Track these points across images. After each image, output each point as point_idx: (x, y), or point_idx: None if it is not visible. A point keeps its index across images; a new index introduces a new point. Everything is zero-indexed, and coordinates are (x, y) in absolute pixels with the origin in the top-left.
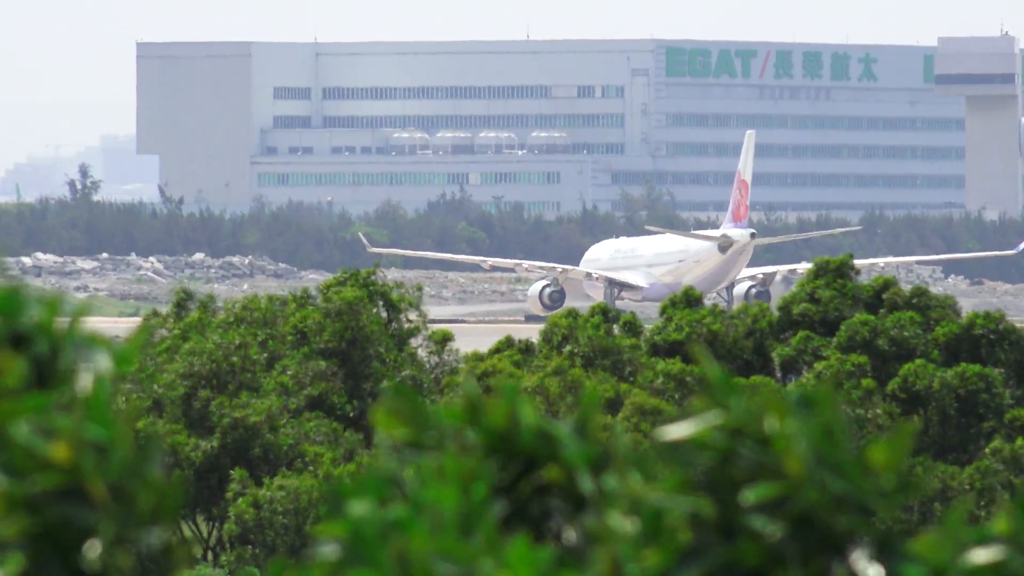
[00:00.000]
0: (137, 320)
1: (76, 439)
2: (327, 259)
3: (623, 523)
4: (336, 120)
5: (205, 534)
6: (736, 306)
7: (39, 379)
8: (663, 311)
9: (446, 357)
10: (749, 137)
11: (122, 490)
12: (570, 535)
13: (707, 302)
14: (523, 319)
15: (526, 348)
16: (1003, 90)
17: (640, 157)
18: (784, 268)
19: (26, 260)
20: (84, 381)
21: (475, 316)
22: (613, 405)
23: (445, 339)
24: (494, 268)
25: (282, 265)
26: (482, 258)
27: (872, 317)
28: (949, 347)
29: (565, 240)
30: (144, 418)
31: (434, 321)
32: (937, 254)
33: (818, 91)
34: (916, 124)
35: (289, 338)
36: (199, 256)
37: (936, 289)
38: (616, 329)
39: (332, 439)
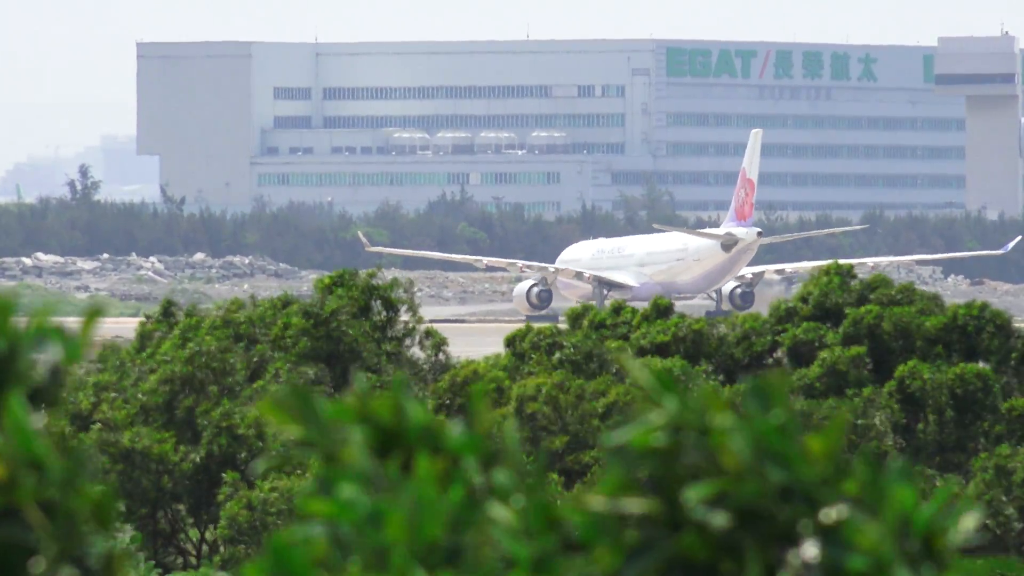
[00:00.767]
0: (137, 320)
1: (11, 458)
2: (327, 259)
3: (504, 513)
4: (336, 120)
5: (197, 537)
6: (772, 302)
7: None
8: (638, 325)
9: (440, 357)
10: (755, 136)
11: (59, 505)
12: None
13: (698, 301)
14: (524, 319)
15: (520, 353)
16: (1003, 90)
17: (641, 157)
18: (772, 268)
19: (26, 260)
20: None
21: (475, 316)
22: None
23: (433, 337)
24: (489, 268)
25: (282, 265)
26: (476, 257)
27: (876, 307)
28: (940, 339)
29: (565, 240)
30: (128, 430)
31: (435, 321)
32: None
33: (818, 91)
34: (916, 124)
35: (282, 340)
36: (200, 256)
37: (936, 289)
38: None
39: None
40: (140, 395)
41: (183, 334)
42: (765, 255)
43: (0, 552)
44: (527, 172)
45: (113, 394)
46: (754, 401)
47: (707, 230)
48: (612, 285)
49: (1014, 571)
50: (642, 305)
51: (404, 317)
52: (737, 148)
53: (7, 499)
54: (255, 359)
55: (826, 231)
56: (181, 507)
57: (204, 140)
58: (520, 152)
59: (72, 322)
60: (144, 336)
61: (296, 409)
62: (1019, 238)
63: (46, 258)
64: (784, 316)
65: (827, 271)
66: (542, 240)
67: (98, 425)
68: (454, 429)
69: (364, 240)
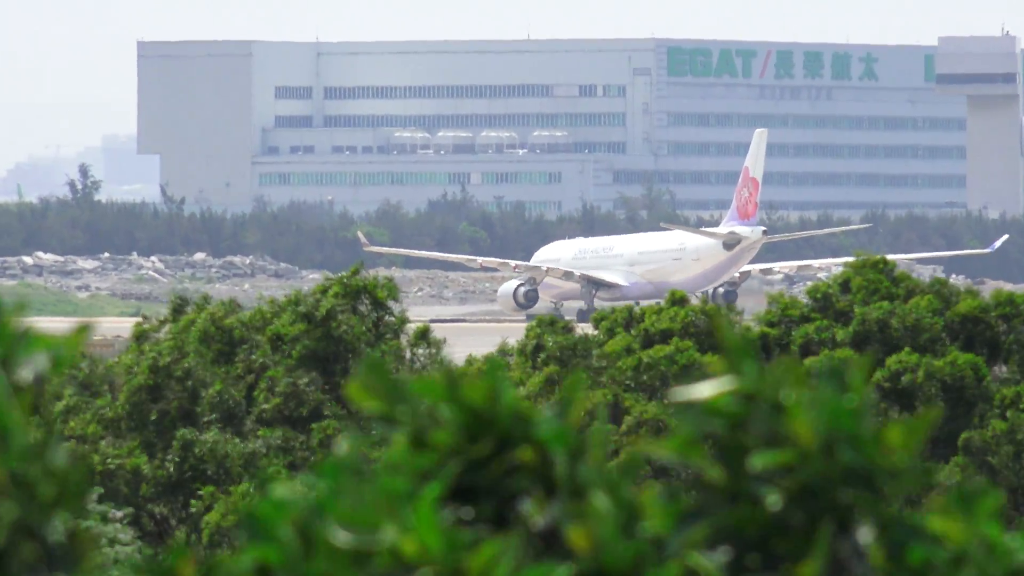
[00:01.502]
0: (137, 319)
1: None
2: (328, 259)
3: (605, 503)
4: (337, 119)
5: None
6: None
7: None
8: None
9: (433, 352)
10: (760, 135)
11: (22, 476)
12: (537, 520)
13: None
14: (524, 318)
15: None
16: (1004, 90)
17: (642, 156)
18: (756, 268)
19: (27, 260)
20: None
21: (476, 315)
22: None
23: (424, 334)
24: (484, 268)
25: (283, 265)
26: (470, 258)
27: (887, 303)
28: (963, 328)
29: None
30: (99, 443)
31: (435, 321)
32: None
33: (819, 91)
34: (917, 124)
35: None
36: (200, 256)
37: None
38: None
39: (284, 446)
40: (106, 410)
41: (176, 336)
42: (766, 254)
43: None
44: (528, 172)
45: (99, 402)
46: (830, 382)
47: (708, 229)
48: (600, 284)
49: None
50: (645, 304)
51: (390, 318)
52: (738, 148)
53: None
54: (257, 363)
55: (827, 231)
56: (165, 510)
57: (205, 140)
58: (521, 152)
59: (69, 322)
60: (140, 336)
61: (380, 386)
62: (1006, 236)
63: (46, 257)
64: (822, 303)
65: (864, 264)
66: (543, 240)
67: (72, 442)
68: (545, 419)
69: (363, 239)
